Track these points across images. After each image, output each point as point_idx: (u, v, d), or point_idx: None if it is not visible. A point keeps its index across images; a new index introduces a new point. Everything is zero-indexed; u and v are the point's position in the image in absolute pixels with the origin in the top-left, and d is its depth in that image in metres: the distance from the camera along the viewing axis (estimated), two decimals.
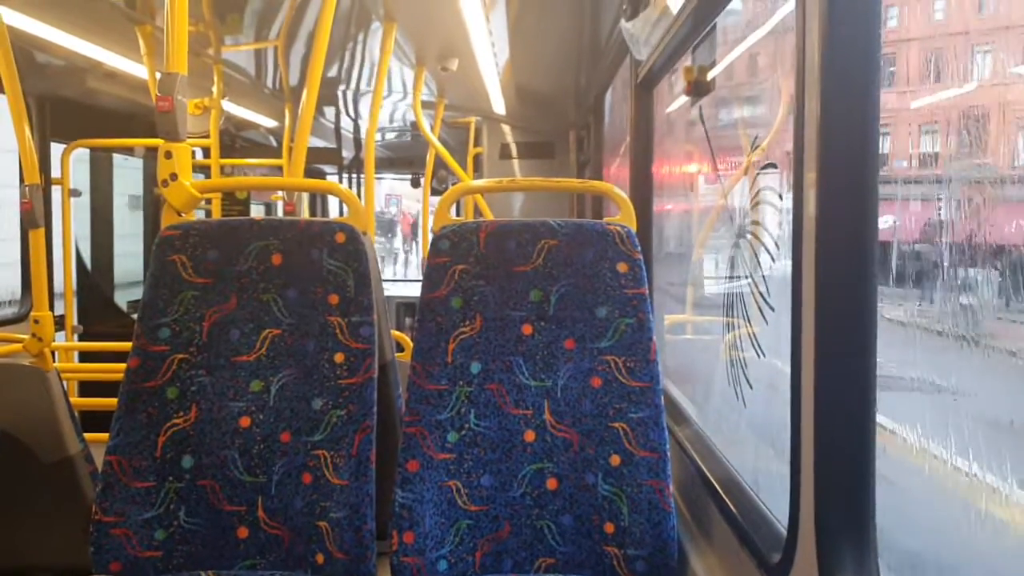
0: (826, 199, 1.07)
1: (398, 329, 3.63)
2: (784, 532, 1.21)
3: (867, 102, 1.04)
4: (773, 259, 1.54)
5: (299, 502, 1.65)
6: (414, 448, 1.65)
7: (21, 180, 2.54)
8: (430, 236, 2.14)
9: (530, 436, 1.67)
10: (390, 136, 6.82)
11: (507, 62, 3.93)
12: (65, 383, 2.57)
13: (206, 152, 4.37)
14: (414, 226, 16.88)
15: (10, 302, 4.06)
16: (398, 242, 18.01)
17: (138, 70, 3.70)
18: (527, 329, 1.71)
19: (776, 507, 1.38)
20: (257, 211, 6.84)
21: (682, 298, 2.55)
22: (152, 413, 1.68)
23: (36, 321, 2.50)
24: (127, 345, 1.76)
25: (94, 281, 4.90)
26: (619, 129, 3.91)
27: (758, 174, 1.66)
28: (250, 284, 1.75)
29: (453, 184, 4.86)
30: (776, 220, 1.56)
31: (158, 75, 1.83)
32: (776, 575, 1.23)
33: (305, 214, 6.14)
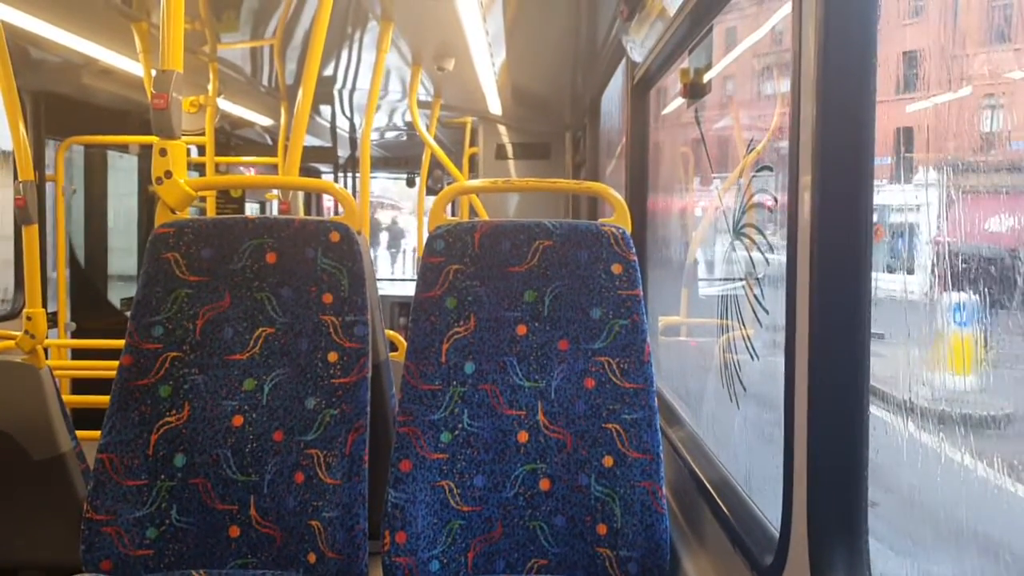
0: (822, 201, 1.07)
1: (392, 328, 3.62)
2: (776, 534, 1.22)
3: (863, 104, 1.05)
4: (767, 261, 1.54)
5: (291, 501, 1.64)
6: (407, 448, 1.65)
7: (15, 177, 2.52)
8: (425, 236, 2.14)
9: (523, 437, 1.67)
10: (386, 135, 6.82)
11: (503, 63, 3.93)
12: (57, 380, 2.56)
13: (201, 150, 4.36)
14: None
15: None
16: None
17: (133, 67, 3.69)
18: (521, 330, 1.71)
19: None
20: (252, 210, 6.82)
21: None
22: (145, 411, 1.67)
23: (29, 318, 2.49)
24: (120, 342, 1.75)
25: (88, 278, 4.89)
26: (616, 131, 3.91)
27: (753, 176, 1.66)
28: (244, 282, 1.74)
29: (448, 184, 4.86)
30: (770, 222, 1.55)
31: (153, 72, 1.82)
32: None
33: (300, 213, 6.12)
